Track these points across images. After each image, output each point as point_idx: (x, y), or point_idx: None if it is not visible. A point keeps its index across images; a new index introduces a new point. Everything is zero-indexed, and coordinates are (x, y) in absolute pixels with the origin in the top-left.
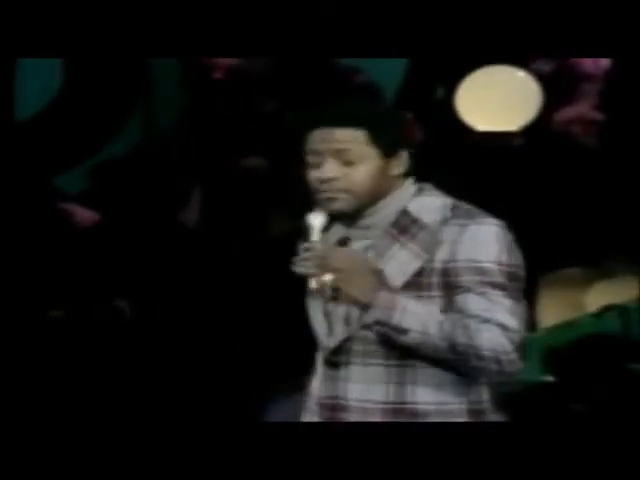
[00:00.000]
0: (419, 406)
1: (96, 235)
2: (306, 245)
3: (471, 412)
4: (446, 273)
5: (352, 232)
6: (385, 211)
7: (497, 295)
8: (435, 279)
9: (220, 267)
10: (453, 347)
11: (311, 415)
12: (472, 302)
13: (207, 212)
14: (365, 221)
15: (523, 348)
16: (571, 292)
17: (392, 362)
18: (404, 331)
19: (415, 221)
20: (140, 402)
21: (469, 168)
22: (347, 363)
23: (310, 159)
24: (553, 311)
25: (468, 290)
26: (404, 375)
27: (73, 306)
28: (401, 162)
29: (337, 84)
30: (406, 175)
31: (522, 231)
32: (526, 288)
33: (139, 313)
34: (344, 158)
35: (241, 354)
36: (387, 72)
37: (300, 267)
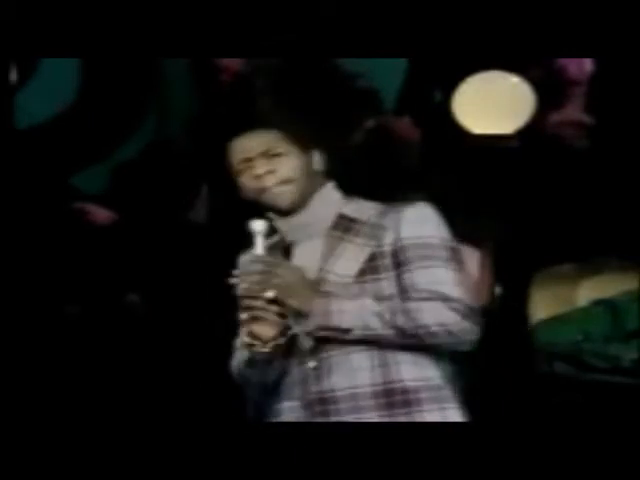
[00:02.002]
0: (408, 383)
1: (110, 233)
2: (251, 258)
3: (446, 384)
4: (395, 253)
5: (291, 233)
6: (319, 210)
7: (440, 267)
8: (387, 260)
9: (228, 262)
10: (401, 333)
11: (297, 417)
12: (417, 277)
13: (215, 211)
14: (301, 218)
15: (477, 314)
16: (563, 287)
17: (372, 346)
18: (346, 331)
19: (354, 220)
20: (151, 393)
21: (465, 168)
22: (327, 357)
23: (239, 167)
24: (545, 305)
25: (414, 265)
26: (385, 357)
27: (89, 301)
28: (318, 159)
29: (338, 88)
30: (326, 176)
31: (516, 229)
32: (519, 283)
33: (151, 306)
34: (271, 154)
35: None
36: (387, 77)
37: (244, 282)
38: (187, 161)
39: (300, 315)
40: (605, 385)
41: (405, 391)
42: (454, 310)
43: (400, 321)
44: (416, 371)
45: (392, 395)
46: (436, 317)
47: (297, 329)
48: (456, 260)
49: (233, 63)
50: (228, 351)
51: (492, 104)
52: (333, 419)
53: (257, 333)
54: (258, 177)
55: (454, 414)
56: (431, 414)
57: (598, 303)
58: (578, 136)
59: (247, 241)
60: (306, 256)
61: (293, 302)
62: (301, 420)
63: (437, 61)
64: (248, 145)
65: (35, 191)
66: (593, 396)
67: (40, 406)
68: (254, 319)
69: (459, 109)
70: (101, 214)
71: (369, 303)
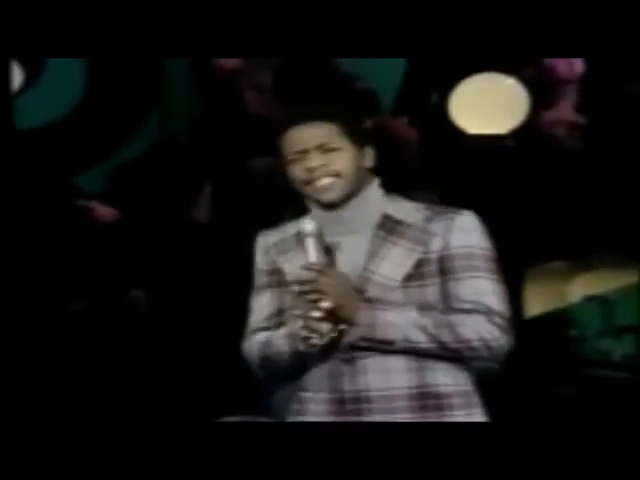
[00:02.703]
0: (441, 388)
1: (114, 231)
2: (305, 265)
3: (472, 391)
4: (441, 260)
5: (332, 228)
6: (364, 207)
7: (485, 279)
8: (433, 267)
9: (229, 259)
10: (442, 346)
11: (318, 418)
12: (463, 287)
13: (217, 209)
14: (345, 213)
15: (512, 329)
16: (556, 283)
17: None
18: (389, 343)
19: (399, 222)
20: (154, 387)
21: (461, 167)
22: (364, 357)
23: (292, 157)
24: (538, 301)
25: (460, 275)
26: (423, 361)
27: (93, 297)
28: (370, 156)
29: (338, 89)
30: (373, 174)
31: (511, 226)
32: (513, 280)
33: (154, 302)
34: (325, 148)
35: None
36: (385, 79)
37: (302, 290)
38: (189, 160)
39: (346, 324)
40: (596, 379)
41: (439, 396)
42: (495, 324)
43: (443, 335)
44: (449, 377)
45: (426, 399)
46: (478, 332)
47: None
48: (497, 272)
49: (232, 64)
50: (229, 346)
51: (487, 105)
52: (365, 418)
53: (315, 327)
54: (310, 169)
55: (479, 420)
56: (459, 419)
57: (590, 299)
58: (571, 135)
59: (247, 238)
60: (349, 253)
61: (342, 312)
62: (328, 413)
63: (434, 63)
64: (305, 137)
65: (40, 190)
66: (585, 390)
67: (45, 399)
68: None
69: (455, 110)
70: (105, 212)
71: (413, 315)
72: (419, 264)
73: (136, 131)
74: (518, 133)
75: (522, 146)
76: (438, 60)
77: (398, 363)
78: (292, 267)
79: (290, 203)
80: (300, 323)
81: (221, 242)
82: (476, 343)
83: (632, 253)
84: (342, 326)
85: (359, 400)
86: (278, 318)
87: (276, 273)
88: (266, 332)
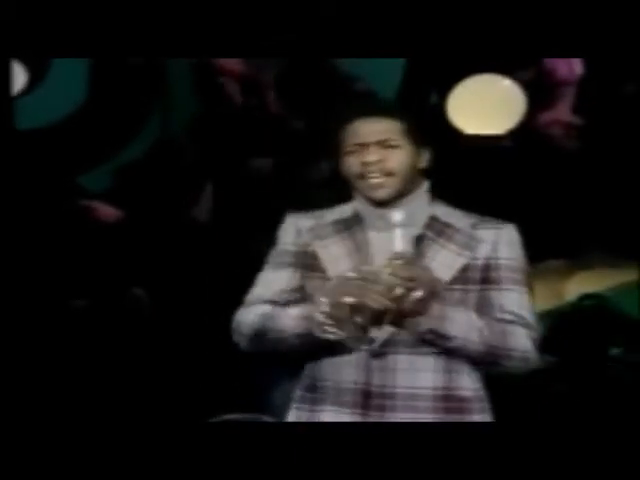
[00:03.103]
0: (464, 392)
1: (116, 230)
2: (395, 254)
3: (486, 397)
4: (487, 268)
5: (378, 223)
6: (413, 206)
7: (524, 292)
8: (477, 274)
9: (229, 258)
10: (489, 350)
11: (336, 408)
12: (506, 297)
13: (218, 209)
14: (393, 210)
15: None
16: (553, 282)
17: (441, 352)
18: (450, 339)
19: (447, 225)
20: (154, 382)
21: (459, 167)
22: (394, 353)
23: (350, 149)
24: (536, 299)
25: (504, 286)
26: (451, 364)
27: (96, 294)
28: (425, 157)
29: (339, 90)
30: (424, 175)
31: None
32: None
33: (156, 300)
34: (385, 144)
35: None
36: (385, 80)
37: (390, 279)
38: (191, 160)
39: (416, 314)
40: (593, 375)
41: (461, 399)
42: (532, 339)
43: (493, 340)
44: (471, 381)
45: (449, 401)
46: (522, 344)
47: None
48: (529, 285)
49: (232, 66)
50: (229, 344)
51: (485, 106)
52: (387, 414)
53: (361, 322)
54: (365, 164)
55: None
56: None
57: (588, 297)
58: (567, 136)
59: (249, 235)
60: (388, 249)
61: (421, 304)
62: (352, 405)
63: (432, 65)
64: (367, 130)
65: (44, 190)
66: (582, 386)
67: (49, 394)
68: (359, 308)
69: (453, 110)
70: (107, 211)
71: (474, 317)
72: (465, 269)
73: (139, 132)
74: (515, 133)
75: (519, 146)
76: (437, 61)
77: (426, 363)
78: (328, 254)
79: (284, 201)
80: (324, 308)
81: (222, 241)
82: (518, 354)
83: (628, 251)
84: (372, 332)
85: (384, 396)
86: (290, 295)
87: (307, 256)
88: (272, 305)
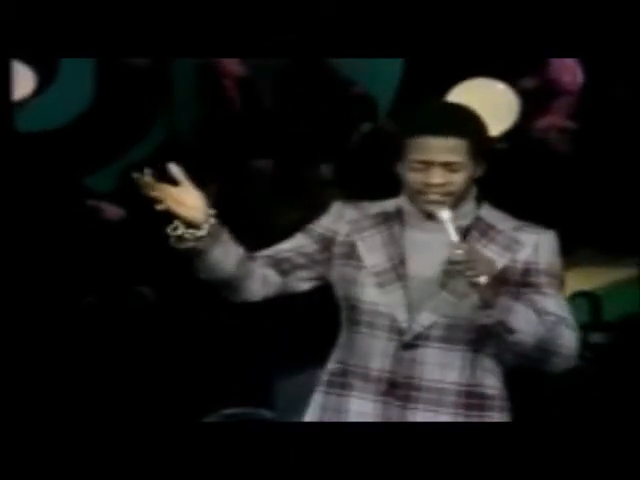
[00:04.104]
0: (487, 390)
1: (122, 229)
2: (455, 245)
3: (506, 396)
4: (527, 272)
5: (425, 225)
6: (462, 210)
7: (562, 297)
8: (516, 277)
9: None
10: (540, 346)
11: (362, 394)
12: (549, 302)
13: (221, 207)
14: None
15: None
16: None
17: (469, 348)
18: (513, 331)
19: (491, 227)
20: (160, 376)
21: None
22: (425, 346)
23: (416, 165)
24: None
25: (545, 290)
26: (477, 361)
27: (103, 291)
28: (483, 167)
29: (336, 94)
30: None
31: None
32: None
33: (160, 297)
34: (450, 167)
35: (254, 335)
36: (382, 84)
37: (453, 267)
38: (194, 160)
39: (485, 305)
40: (584, 371)
41: (484, 396)
42: (577, 339)
43: (546, 337)
44: (495, 380)
45: (472, 397)
46: (569, 342)
47: (441, 309)
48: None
49: (234, 68)
50: (230, 340)
51: (480, 108)
52: (410, 406)
53: None
54: (428, 185)
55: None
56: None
57: (579, 294)
58: (561, 139)
59: (250, 234)
60: (435, 249)
61: (488, 292)
62: (376, 392)
63: (429, 68)
64: (434, 149)
65: (53, 191)
66: (573, 382)
67: (58, 386)
68: None
69: None
70: (113, 211)
71: (532, 313)
72: (504, 270)
73: (145, 134)
74: (510, 136)
75: (514, 148)
76: (433, 66)
77: (454, 359)
78: (365, 244)
79: (285, 200)
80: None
81: None
82: (565, 351)
83: (619, 250)
84: (192, 230)
85: (410, 387)
86: (286, 253)
87: (346, 245)
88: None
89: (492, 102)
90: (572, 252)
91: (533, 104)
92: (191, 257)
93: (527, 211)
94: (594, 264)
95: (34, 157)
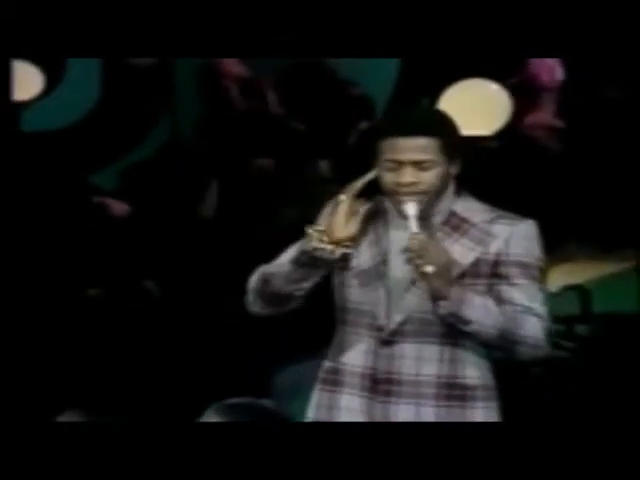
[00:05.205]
0: (468, 380)
1: (127, 225)
2: (411, 235)
3: (493, 385)
4: (497, 263)
5: (399, 217)
6: (438, 206)
7: (535, 287)
8: (487, 269)
9: (234, 252)
10: (502, 335)
11: (350, 390)
12: (516, 292)
13: (223, 205)
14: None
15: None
16: None
17: (446, 341)
18: (468, 322)
19: (465, 220)
20: (163, 367)
21: None
22: (402, 342)
23: (388, 165)
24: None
25: (515, 280)
26: (456, 353)
27: (108, 285)
28: (458, 165)
29: (335, 94)
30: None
31: None
32: None
33: (164, 290)
34: (420, 166)
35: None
36: (380, 85)
37: (405, 254)
38: (197, 159)
39: (436, 297)
40: (571, 363)
41: (464, 387)
42: (544, 329)
43: (507, 326)
44: (476, 370)
45: (453, 389)
46: (534, 331)
47: (414, 305)
48: (542, 281)
49: (235, 69)
50: (232, 332)
51: (473, 108)
52: (393, 400)
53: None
54: (400, 184)
55: (495, 413)
56: (479, 411)
57: (568, 288)
58: (550, 137)
59: (251, 229)
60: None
61: (437, 283)
62: (362, 388)
63: (424, 69)
64: (404, 149)
65: (60, 188)
66: (561, 373)
67: (64, 377)
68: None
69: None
70: (119, 207)
71: (491, 303)
72: (476, 263)
73: (147, 133)
74: (502, 134)
75: (505, 146)
76: (428, 67)
77: (432, 352)
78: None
79: (285, 198)
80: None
81: (226, 236)
82: (530, 340)
83: (608, 245)
84: (344, 249)
85: (391, 382)
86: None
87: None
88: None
89: (486, 101)
90: (562, 246)
91: (516, 101)
92: (301, 264)
93: (516, 206)
94: (584, 258)
95: (43, 155)
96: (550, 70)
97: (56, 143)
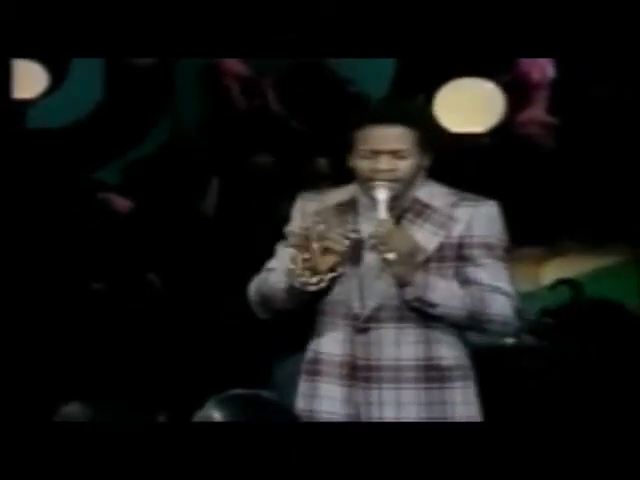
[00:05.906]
0: (444, 361)
1: (130, 219)
2: (378, 221)
3: (469, 365)
4: (461, 246)
5: (368, 205)
6: (405, 194)
7: (501, 267)
8: (452, 252)
9: (233, 247)
10: (471, 316)
11: (329, 379)
12: (482, 272)
13: (223, 201)
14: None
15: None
16: (529, 267)
17: (421, 324)
18: (434, 305)
19: (427, 206)
20: (166, 360)
21: (444, 162)
22: (377, 328)
23: (365, 154)
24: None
25: (479, 262)
26: (431, 335)
27: (112, 279)
28: (430, 157)
29: (333, 92)
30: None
31: None
32: None
33: (167, 284)
34: (397, 154)
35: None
36: (376, 83)
37: (371, 240)
38: (198, 156)
39: (401, 283)
40: (562, 355)
41: (441, 368)
42: (512, 307)
43: (474, 306)
44: (451, 351)
45: (430, 370)
46: (501, 310)
47: (386, 292)
48: (508, 260)
49: (235, 68)
50: (231, 326)
51: (468, 106)
52: (373, 386)
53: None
54: (376, 171)
55: (473, 392)
56: (457, 391)
57: (561, 282)
58: (543, 134)
59: (251, 226)
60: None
61: (401, 269)
62: (340, 377)
63: (420, 68)
64: (381, 138)
65: (64, 184)
66: (556, 364)
67: (67, 370)
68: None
69: (439, 110)
70: (122, 203)
71: (455, 286)
72: (440, 248)
73: (151, 130)
74: (495, 131)
75: (499, 142)
76: (424, 66)
77: (408, 336)
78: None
79: (284, 194)
80: (299, 264)
81: (226, 232)
82: (498, 317)
83: (600, 239)
84: (330, 276)
85: (370, 368)
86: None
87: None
88: (268, 271)
89: (479, 99)
90: (556, 241)
91: (509, 99)
92: (292, 294)
93: (510, 202)
94: (577, 252)
95: (47, 152)
96: (541, 68)
97: (60, 140)
